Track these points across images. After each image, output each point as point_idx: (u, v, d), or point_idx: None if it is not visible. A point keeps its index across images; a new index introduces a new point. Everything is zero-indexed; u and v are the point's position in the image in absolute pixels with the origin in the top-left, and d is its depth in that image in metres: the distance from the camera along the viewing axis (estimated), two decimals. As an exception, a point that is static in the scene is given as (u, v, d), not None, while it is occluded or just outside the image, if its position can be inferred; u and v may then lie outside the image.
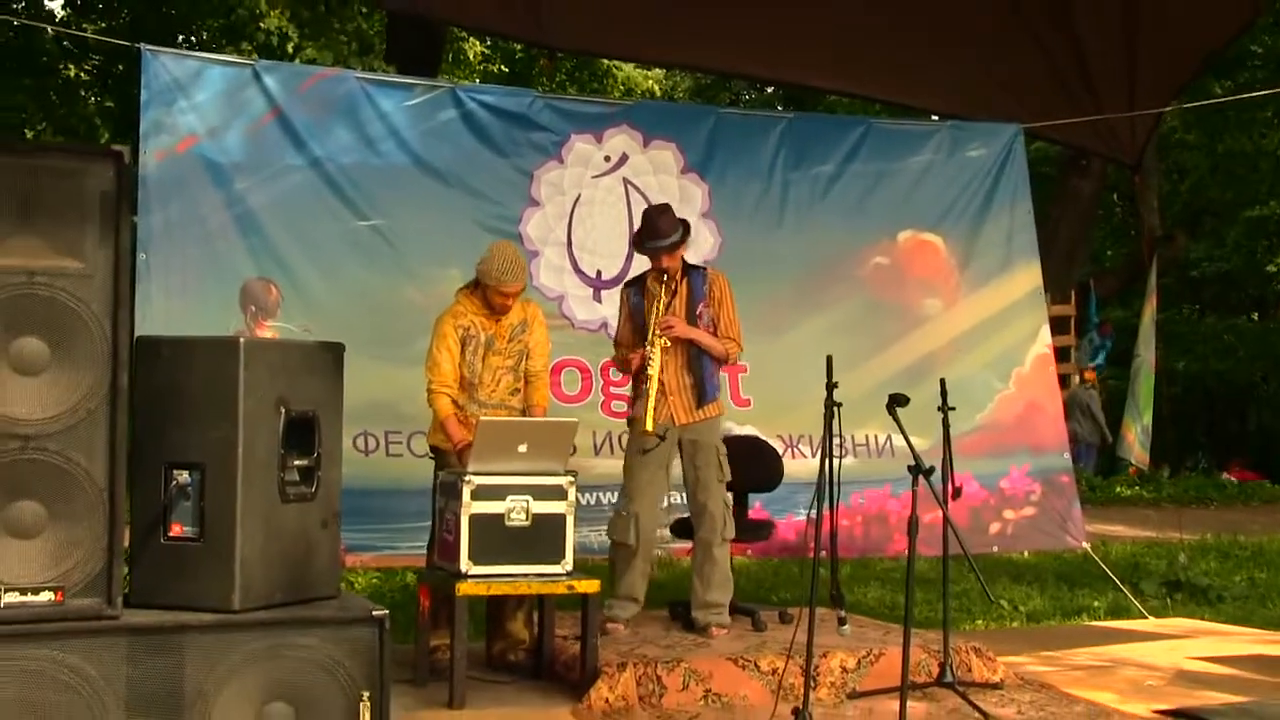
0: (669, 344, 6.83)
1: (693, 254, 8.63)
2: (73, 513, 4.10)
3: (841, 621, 6.81)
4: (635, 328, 7.03)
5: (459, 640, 5.96)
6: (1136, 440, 13.17)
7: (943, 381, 6.56)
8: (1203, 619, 9.54)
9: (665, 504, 7.34)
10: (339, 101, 8.21)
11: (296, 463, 4.50)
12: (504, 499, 6.11)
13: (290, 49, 12.73)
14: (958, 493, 6.78)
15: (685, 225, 6.97)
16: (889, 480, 8.93)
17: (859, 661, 6.52)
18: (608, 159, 8.74)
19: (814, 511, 5.66)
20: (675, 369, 6.88)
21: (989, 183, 9.52)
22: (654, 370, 6.74)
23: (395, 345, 7.85)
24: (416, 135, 8.33)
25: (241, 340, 4.38)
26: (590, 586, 6.23)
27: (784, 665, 6.26)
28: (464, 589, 6.00)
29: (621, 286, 7.35)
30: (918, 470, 5.56)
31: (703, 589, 6.92)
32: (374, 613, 4.43)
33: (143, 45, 7.87)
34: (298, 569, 4.52)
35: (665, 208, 7.13)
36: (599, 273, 8.62)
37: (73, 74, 16.58)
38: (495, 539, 6.08)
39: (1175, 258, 22.08)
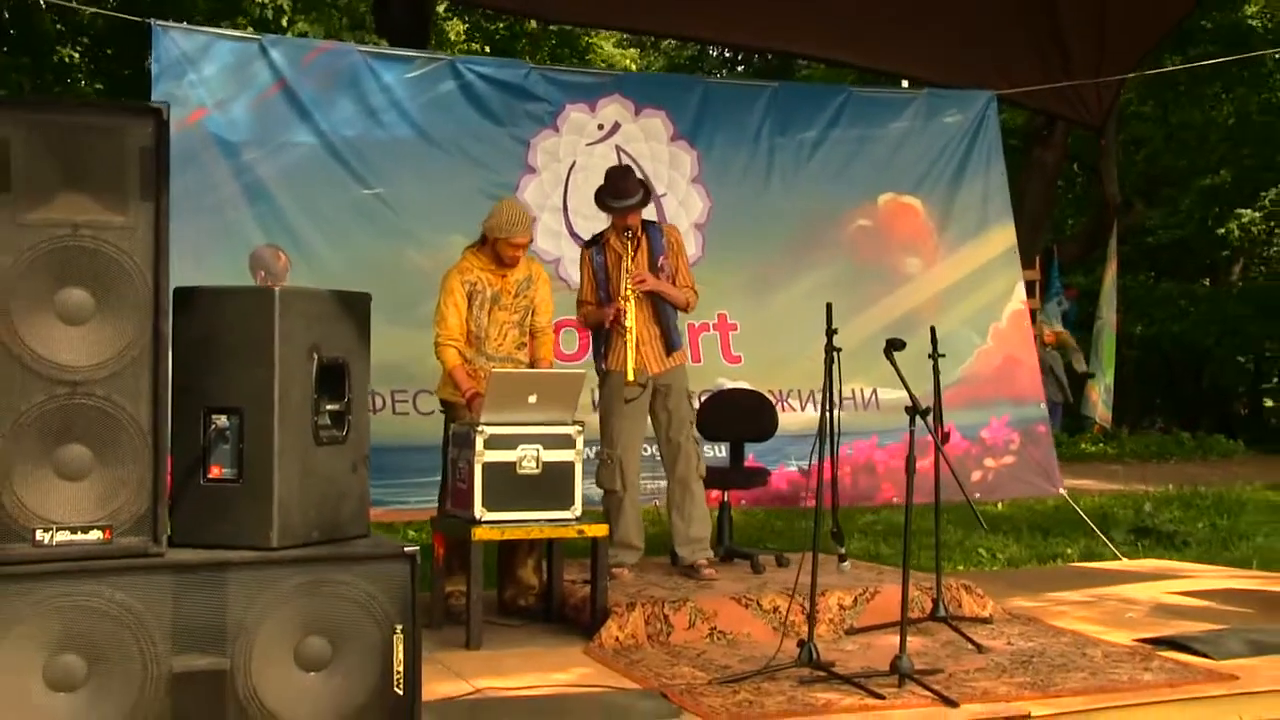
0: (640, 297, 6.91)
1: (684, 218, 8.75)
2: (118, 456, 4.12)
3: (841, 559, 6.89)
4: (598, 284, 7.12)
5: (474, 583, 6.03)
6: (1100, 399, 13.33)
7: (933, 330, 6.63)
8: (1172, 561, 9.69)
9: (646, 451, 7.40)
10: (342, 74, 8.23)
11: (328, 407, 4.53)
12: (515, 448, 6.18)
13: (284, 23, 12.73)
14: (946, 437, 6.84)
15: (645, 185, 7.11)
16: (875, 432, 9.05)
17: (855, 599, 6.61)
18: (601, 127, 8.79)
19: (814, 457, 5.69)
20: (644, 321, 6.99)
21: (964, 147, 9.60)
22: (631, 322, 6.84)
23: (400, 308, 7.87)
24: (417, 106, 8.36)
25: (277, 290, 4.41)
26: (599, 530, 6.31)
27: (787, 604, 6.35)
28: (479, 534, 6.07)
29: (581, 247, 7.42)
30: (914, 411, 5.61)
31: (684, 525, 7.00)
32: (405, 550, 4.47)
33: (153, 20, 7.87)
34: (331, 509, 4.56)
35: (626, 169, 7.28)
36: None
37: (65, 55, 16.50)
38: (507, 486, 6.16)
39: (1134, 225, 22.20)
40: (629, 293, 6.88)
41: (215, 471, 4.40)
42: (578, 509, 6.26)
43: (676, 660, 5.83)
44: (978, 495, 9.45)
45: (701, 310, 8.40)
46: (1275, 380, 32.75)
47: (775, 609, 6.44)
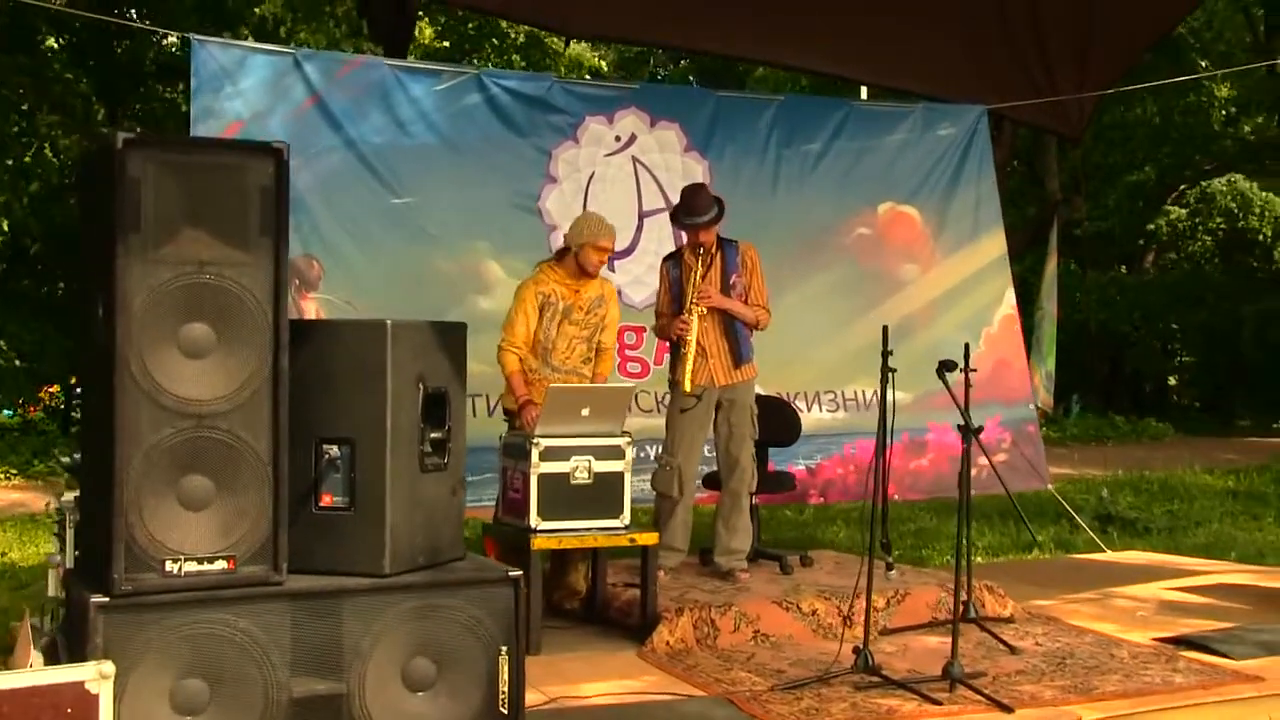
0: (705, 312, 6.87)
1: (696, 226, 8.67)
2: (239, 486, 4.06)
3: (889, 567, 6.89)
4: (673, 297, 7.06)
5: (534, 589, 5.97)
6: (1041, 384, 13.44)
7: (966, 346, 6.56)
8: (1142, 550, 9.80)
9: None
10: (373, 87, 8.11)
11: (432, 435, 4.47)
12: (569, 459, 6.13)
13: (283, 32, 12.50)
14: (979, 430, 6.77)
15: (720, 202, 6.99)
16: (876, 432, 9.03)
17: (888, 601, 6.61)
18: (618, 139, 8.73)
19: (874, 469, 5.69)
20: (714, 335, 6.93)
21: (957, 158, 9.63)
22: (692, 336, 6.79)
23: (429, 313, 7.55)
24: (444, 118, 8.26)
25: (389, 323, 4.33)
26: (650, 539, 6.28)
27: (824, 607, 6.37)
28: (538, 543, 6.02)
29: (661, 260, 7.34)
30: (968, 430, 5.60)
31: (728, 536, 6.98)
32: (510, 574, 4.43)
33: (192, 35, 7.74)
34: (434, 534, 4.50)
35: (700, 187, 7.18)
36: (612, 244, 8.60)
37: (53, 46, 16.18)
38: (561, 496, 6.11)
39: (1072, 219, 22.43)
40: (694, 308, 6.82)
41: (326, 500, 4.34)
42: (627, 517, 6.23)
43: (730, 665, 5.80)
44: (973, 490, 9.48)
45: (710, 315, 8.39)
46: (1178, 361, 33.32)
47: (814, 612, 6.44)
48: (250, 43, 8.99)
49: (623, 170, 8.69)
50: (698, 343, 6.81)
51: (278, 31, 12.46)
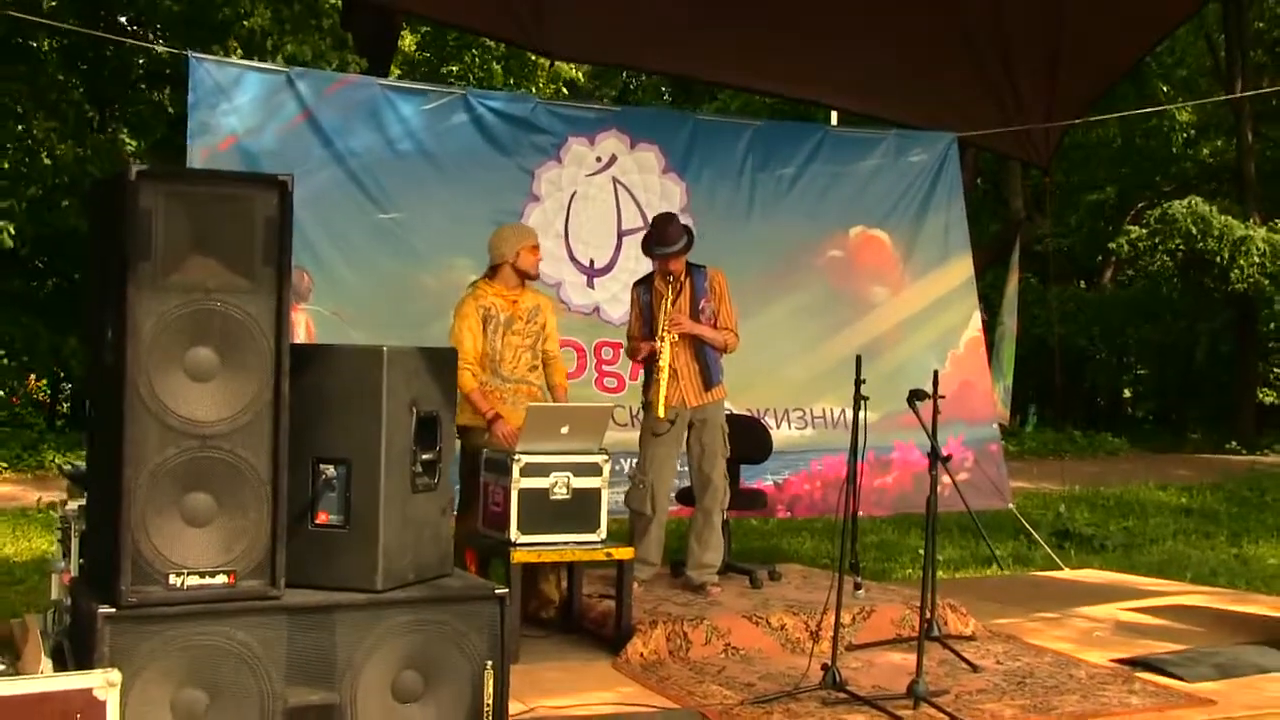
0: (677, 338, 7.01)
1: (673, 246, 8.82)
2: (240, 504, 4.16)
3: (857, 586, 7.04)
4: (644, 321, 7.21)
5: (514, 601, 6.07)
6: (999, 398, 13.62)
7: (936, 373, 6.69)
8: (1098, 568, 9.98)
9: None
10: (362, 105, 8.22)
11: (423, 457, 4.57)
12: (548, 475, 6.25)
13: (270, 45, 12.59)
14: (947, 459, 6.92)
15: (689, 232, 7.16)
16: (844, 449, 9.06)
17: (853, 618, 6.75)
18: (599, 159, 8.86)
19: (843, 491, 5.83)
20: (685, 359, 7.09)
21: (928, 184, 9.79)
22: (664, 361, 6.94)
23: (413, 326, 7.93)
24: (431, 136, 8.38)
25: (385, 349, 4.45)
26: (625, 554, 6.41)
27: (791, 622, 6.52)
28: (518, 556, 6.14)
29: (632, 285, 7.48)
30: (936, 457, 5.75)
31: (700, 551, 7.12)
32: (496, 591, 4.55)
33: (189, 52, 7.84)
34: (424, 552, 4.61)
35: (671, 216, 7.29)
36: (591, 261, 8.75)
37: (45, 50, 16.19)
38: (541, 511, 6.23)
39: (1035, 236, 22.67)
40: (664, 334, 6.96)
41: (322, 518, 4.44)
42: (603, 532, 6.35)
43: (701, 678, 5.93)
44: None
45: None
46: (1133, 374, 33.73)
47: (783, 626, 6.59)
48: (245, 61, 9.05)
49: (603, 190, 8.83)
50: (670, 366, 6.95)
51: (265, 44, 12.56)
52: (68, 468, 5.78)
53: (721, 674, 6.03)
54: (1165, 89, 23.17)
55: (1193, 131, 25.95)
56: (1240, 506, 14.84)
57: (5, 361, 17.48)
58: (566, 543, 6.28)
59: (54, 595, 5.35)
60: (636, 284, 7.41)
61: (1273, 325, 26.69)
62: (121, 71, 18.68)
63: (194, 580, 4.10)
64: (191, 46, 11.14)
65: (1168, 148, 25.40)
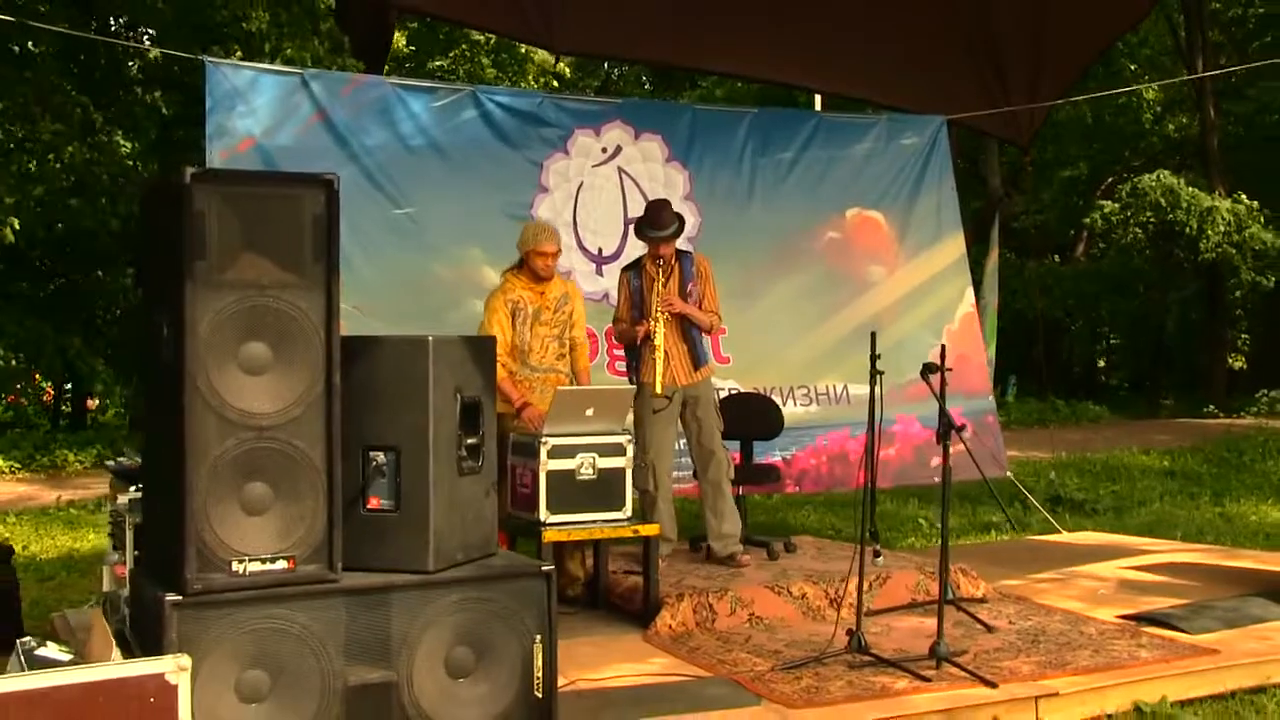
0: (668, 318, 7.07)
1: (678, 233, 8.88)
2: (296, 492, 4.20)
3: (876, 554, 7.10)
4: (634, 305, 7.29)
5: (549, 579, 6.13)
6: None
7: (943, 348, 6.74)
8: (1093, 530, 10.08)
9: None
10: (375, 104, 8.24)
11: (468, 442, 4.62)
12: (575, 456, 6.28)
13: (268, 48, 12.58)
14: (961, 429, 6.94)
15: (680, 218, 7.25)
16: (848, 424, 9.28)
17: (870, 584, 6.80)
18: (605, 150, 8.90)
19: (863, 464, 5.89)
20: (674, 339, 7.16)
21: (920, 166, 9.85)
22: (659, 340, 6.99)
23: (429, 316, 7.97)
24: (442, 132, 8.41)
25: (430, 339, 4.49)
26: (651, 530, 6.45)
27: (810, 591, 6.60)
28: (549, 535, 6.18)
29: (621, 270, 7.54)
30: (948, 427, 5.80)
31: (718, 523, 7.19)
32: (543, 569, 4.60)
33: (205, 57, 7.84)
34: (471, 532, 4.67)
35: (664, 203, 7.36)
36: (600, 250, 8.79)
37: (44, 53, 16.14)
38: (568, 491, 6.26)
39: (1012, 213, 22.78)
40: (658, 314, 7.02)
41: (373, 503, 4.49)
42: (628, 509, 6.39)
43: (729, 647, 5.99)
44: (935, 479, 9.71)
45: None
46: (1105, 344, 33.94)
47: (804, 595, 6.65)
48: (259, 64, 9.05)
49: (609, 180, 8.87)
50: (663, 346, 7.02)
51: (264, 47, 12.55)
52: (112, 464, 5.81)
53: (748, 642, 6.09)
54: (1132, 67, 23.25)
55: (1159, 109, 26.06)
56: (1220, 468, 14.96)
57: (13, 364, 17.45)
58: (594, 521, 6.32)
59: (106, 587, 5.40)
60: (625, 269, 7.48)
61: (1238, 293, 26.88)
62: (112, 73, 18.63)
63: (255, 566, 4.15)
64: (190, 50, 11.15)
65: (1136, 124, 25.54)
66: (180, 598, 4.02)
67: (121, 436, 16.36)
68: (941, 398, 6.77)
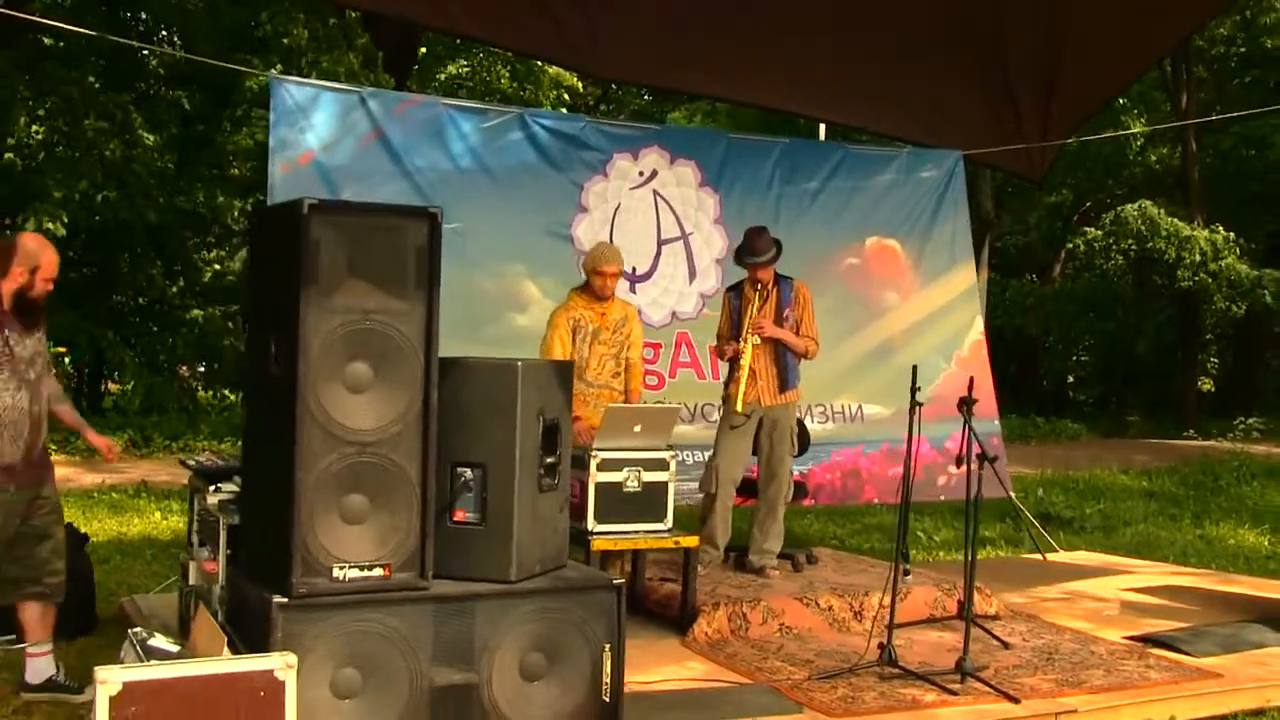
0: (760, 341, 7.22)
1: (707, 254, 9.06)
2: (392, 504, 4.36)
3: (906, 572, 7.26)
4: (733, 324, 7.42)
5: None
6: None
7: (971, 380, 6.89)
8: (1085, 549, 10.27)
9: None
10: (428, 123, 8.36)
11: (547, 460, 4.78)
12: (622, 470, 6.44)
13: (304, 63, 12.71)
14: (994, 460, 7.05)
15: (778, 244, 7.35)
16: (861, 441, 9.46)
17: (893, 598, 6.98)
18: (641, 174, 9.04)
19: (899, 490, 6.07)
20: (765, 361, 7.31)
21: (936, 198, 10.02)
22: (746, 361, 7.17)
23: (472, 328, 8.14)
24: (490, 152, 8.53)
25: (519, 364, 4.64)
26: (691, 541, 6.60)
27: (836, 603, 6.78)
28: (597, 544, 6.33)
29: (725, 290, 7.72)
30: (983, 458, 5.97)
31: (762, 539, 7.36)
32: (614, 582, 4.77)
33: (271, 74, 7.96)
34: (547, 545, 4.82)
35: (763, 230, 7.48)
36: (634, 269, 8.92)
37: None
38: (615, 503, 6.41)
39: (997, 234, 22.96)
40: (749, 336, 7.17)
41: (460, 515, 4.65)
42: (670, 521, 6.55)
43: (765, 655, 6.16)
44: (942, 496, 9.92)
45: (718, 334, 8.74)
46: (1074, 361, 34.18)
47: (830, 607, 6.83)
48: (321, 81, 9.18)
49: (644, 202, 9.02)
50: (749, 367, 7.17)
51: (301, 62, 12.68)
52: (192, 463, 5.95)
53: (781, 651, 6.26)
54: (1122, 100, 23.46)
55: (1141, 140, 26.29)
56: (1197, 490, 15.17)
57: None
58: (638, 531, 6.47)
59: (192, 581, 5.54)
60: (728, 290, 7.66)
61: (1209, 319, 27.16)
62: (133, 70, 18.71)
63: (354, 573, 4.31)
64: (232, 60, 11.28)
65: (1121, 154, 25.74)
66: (286, 600, 4.17)
67: (151, 423, 16.43)
68: (966, 425, 6.96)
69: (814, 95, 9.75)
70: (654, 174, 9.06)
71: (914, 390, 6.09)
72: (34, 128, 13.48)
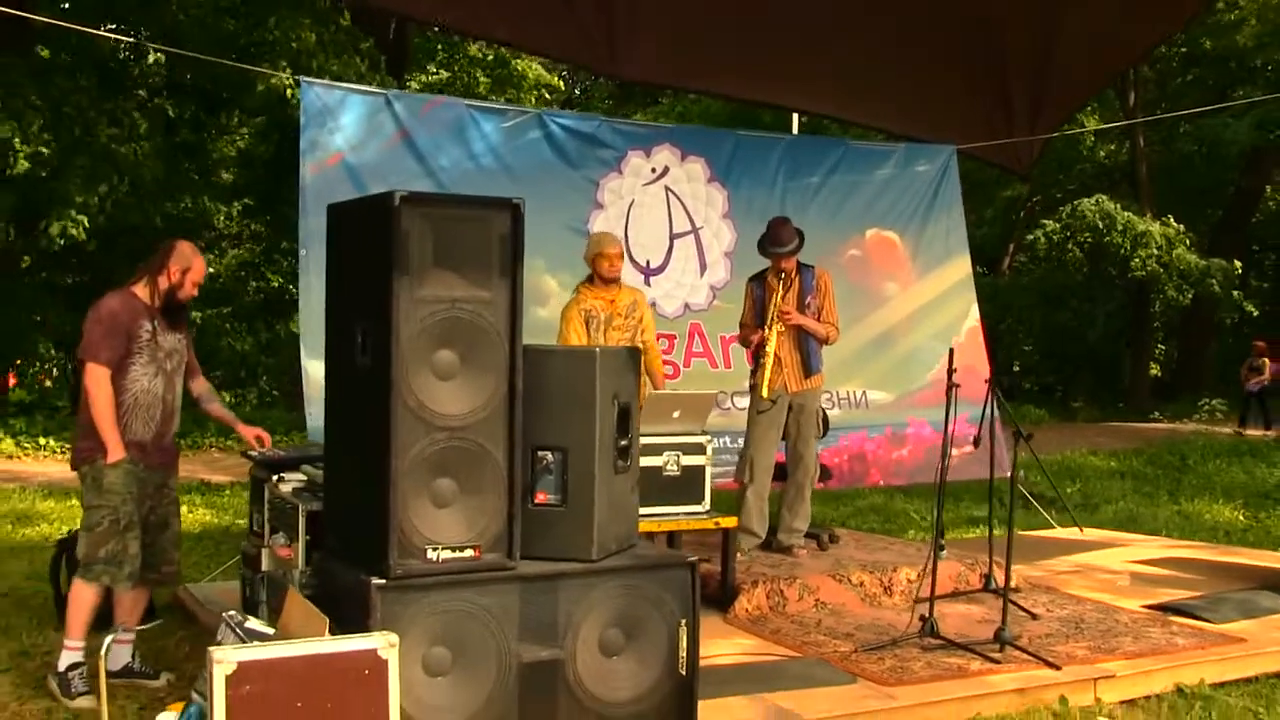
0: (784, 329, 7.24)
1: (716, 247, 9.07)
2: (480, 487, 4.33)
3: (941, 549, 7.29)
4: (756, 313, 7.41)
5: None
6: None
7: (1001, 377, 6.97)
8: (1067, 525, 10.36)
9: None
10: (451, 124, 8.36)
11: (620, 443, 4.76)
12: (662, 454, 6.45)
13: (315, 65, 12.63)
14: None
15: (800, 235, 7.36)
16: (865, 426, 9.52)
17: (918, 574, 7.04)
18: (654, 170, 9.07)
19: (938, 470, 6.10)
20: (788, 348, 7.31)
21: (932, 191, 10.09)
22: (771, 348, 7.18)
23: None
24: (509, 151, 8.54)
25: (598, 351, 4.63)
26: (730, 522, 6.64)
27: (867, 579, 6.82)
28: (641, 526, 6.29)
29: (747, 280, 7.68)
30: (1018, 435, 6.02)
31: (790, 519, 7.38)
32: (689, 559, 4.77)
33: (301, 78, 7.91)
34: (621, 525, 4.81)
35: (785, 220, 7.47)
36: (648, 262, 8.95)
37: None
38: (656, 485, 6.41)
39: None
40: (774, 324, 7.19)
41: (541, 498, 4.62)
42: (708, 503, 6.56)
43: (806, 630, 6.19)
44: (950, 477, 9.93)
45: (729, 324, 8.78)
46: (1021, 349, 34.51)
47: (861, 583, 6.87)
48: (349, 85, 9.12)
49: (657, 198, 9.05)
50: (774, 354, 7.19)
51: (311, 65, 12.60)
52: (255, 454, 5.90)
53: (820, 626, 6.29)
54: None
55: (1093, 138, 26.59)
56: (1165, 469, 15.35)
57: (52, 352, 17.35)
58: (678, 513, 6.49)
59: (265, 567, 5.50)
60: (751, 279, 7.63)
61: (1157, 307, 27.47)
62: (120, 75, 18.53)
63: (446, 554, 4.28)
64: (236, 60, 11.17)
65: (1075, 149, 26.02)
66: (384, 581, 4.15)
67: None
68: (988, 409, 7.02)
69: (823, 95, 9.81)
70: (666, 170, 9.09)
71: (950, 372, 6.14)
72: (45, 135, 13.32)
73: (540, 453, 4.62)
